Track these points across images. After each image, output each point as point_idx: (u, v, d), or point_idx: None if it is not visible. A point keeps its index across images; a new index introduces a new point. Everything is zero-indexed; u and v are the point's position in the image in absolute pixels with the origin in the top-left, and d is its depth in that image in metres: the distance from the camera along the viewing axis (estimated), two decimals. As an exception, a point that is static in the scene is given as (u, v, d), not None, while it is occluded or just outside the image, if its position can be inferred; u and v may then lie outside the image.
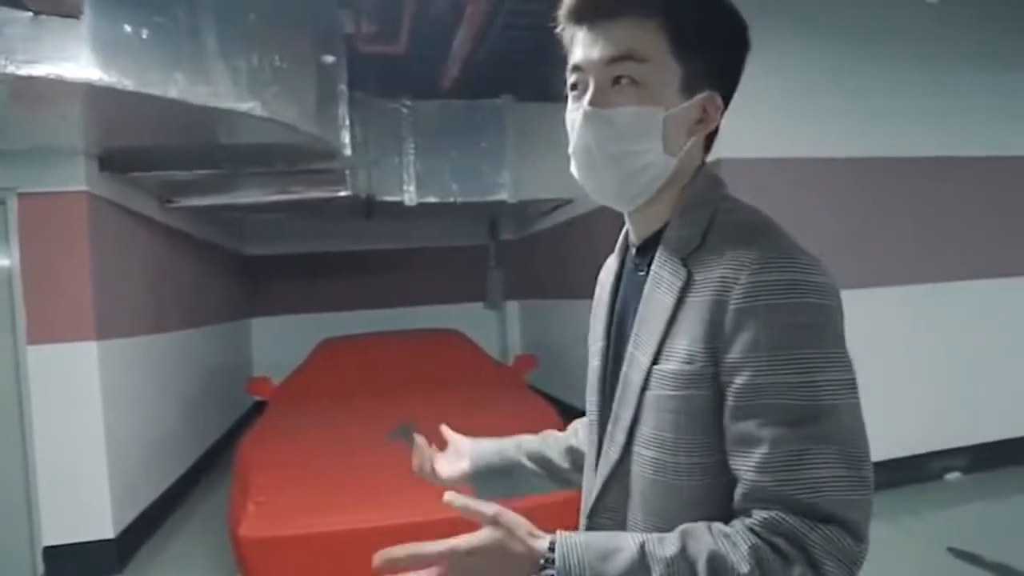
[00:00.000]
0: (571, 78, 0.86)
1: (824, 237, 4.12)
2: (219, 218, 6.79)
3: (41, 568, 3.66)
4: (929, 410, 4.35)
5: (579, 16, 0.83)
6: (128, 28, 2.80)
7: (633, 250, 0.95)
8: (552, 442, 1.18)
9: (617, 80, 0.82)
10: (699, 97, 0.84)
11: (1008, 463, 4.47)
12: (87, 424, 3.71)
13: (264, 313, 8.50)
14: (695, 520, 0.75)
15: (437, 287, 8.88)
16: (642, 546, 0.72)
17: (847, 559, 0.69)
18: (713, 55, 0.84)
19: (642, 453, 0.83)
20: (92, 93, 2.86)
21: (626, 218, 0.96)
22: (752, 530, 0.71)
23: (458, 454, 1.19)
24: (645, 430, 0.82)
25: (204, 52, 3.05)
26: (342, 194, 5.27)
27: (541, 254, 7.83)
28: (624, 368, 0.86)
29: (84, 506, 3.70)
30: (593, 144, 0.84)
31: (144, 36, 2.85)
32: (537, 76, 6.73)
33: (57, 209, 3.72)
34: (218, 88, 3.10)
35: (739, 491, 0.74)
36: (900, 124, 4.31)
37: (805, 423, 0.71)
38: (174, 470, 4.92)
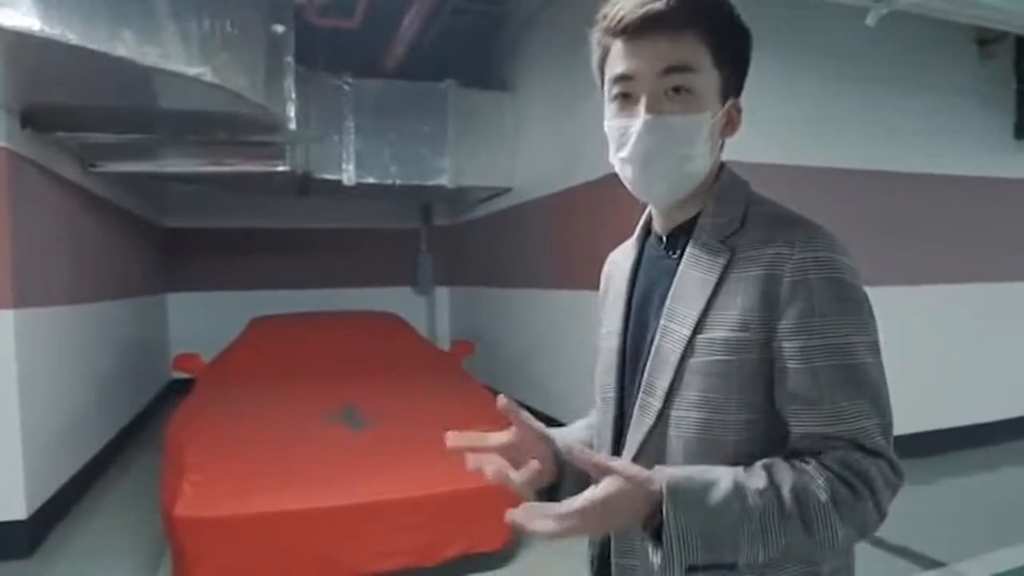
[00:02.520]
0: (618, 87, 0.92)
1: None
2: (140, 187, 6.44)
3: (-57, 550, 3.42)
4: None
5: (630, 30, 0.89)
6: (74, -23, 2.63)
7: (659, 238, 1.03)
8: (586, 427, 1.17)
9: (672, 90, 0.89)
10: (729, 103, 0.94)
11: (904, 456, 4.83)
12: (1, 397, 3.47)
13: (183, 288, 8.13)
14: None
15: (367, 269, 8.75)
16: (734, 479, 0.81)
17: (893, 488, 0.85)
18: (740, 65, 0.94)
19: (685, 416, 0.90)
20: (28, 44, 2.67)
21: (654, 211, 1.04)
22: (825, 465, 0.82)
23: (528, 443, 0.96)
24: (689, 394, 0.90)
25: (154, 11, 2.91)
26: (280, 169, 5.11)
27: (474, 241, 7.84)
28: (656, 340, 0.94)
29: (-6, 485, 3.47)
30: (654, 149, 0.90)
31: (91, -12, 2.68)
32: (481, 63, 6.74)
33: (-27, 166, 3.44)
34: (168, 50, 2.96)
35: (801, 439, 0.85)
36: (826, 136, 4.60)
37: (852, 379, 0.84)
38: (90, 448, 4.67)
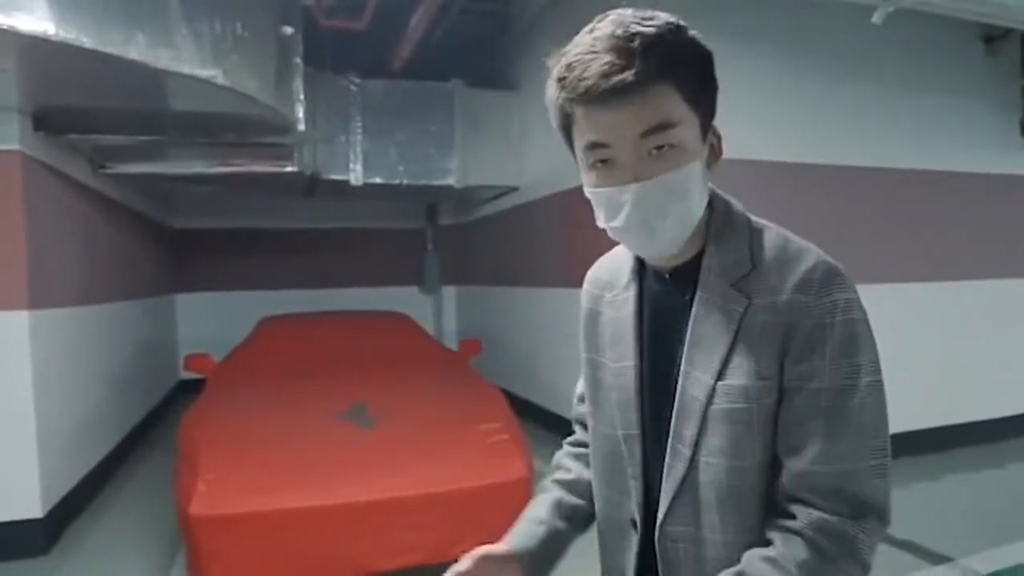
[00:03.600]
0: (594, 155, 0.87)
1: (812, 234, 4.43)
2: (148, 188, 6.48)
3: (-40, 548, 3.46)
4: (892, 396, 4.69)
5: (597, 99, 0.81)
6: (88, -18, 2.66)
7: (656, 277, 1.00)
8: (549, 510, 1.14)
9: (655, 151, 0.84)
10: (711, 136, 0.90)
11: (907, 453, 4.84)
12: (16, 397, 3.52)
13: (192, 288, 8.18)
14: (765, 511, 0.89)
15: (373, 269, 8.78)
16: None
17: (878, 540, 0.85)
18: (710, 95, 0.88)
19: (712, 462, 0.90)
20: (42, 47, 2.70)
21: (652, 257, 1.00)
22: (802, 535, 0.84)
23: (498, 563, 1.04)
24: (714, 441, 0.90)
25: (167, 14, 2.94)
26: (288, 170, 5.15)
27: (481, 240, 7.87)
28: (680, 385, 0.92)
29: (10, 484, 3.51)
30: (653, 213, 0.86)
31: (105, -8, 2.71)
32: (488, 63, 6.76)
33: (-12, 168, 3.49)
34: (180, 52, 2.99)
35: (792, 478, 0.86)
36: (824, 134, 4.61)
37: (853, 419, 0.84)
38: (102, 447, 4.71)
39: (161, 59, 2.92)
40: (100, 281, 4.93)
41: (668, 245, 0.91)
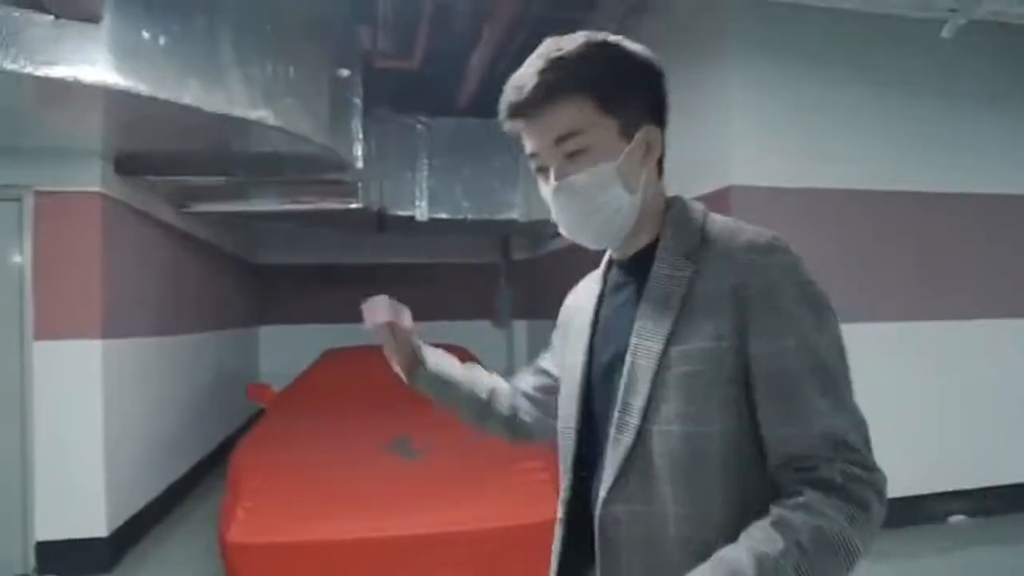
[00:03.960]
0: (533, 163, 0.99)
1: (823, 268, 4.10)
2: (232, 225, 6.87)
3: (32, 563, 3.68)
4: (933, 450, 4.26)
5: (515, 113, 0.95)
6: (146, 34, 2.87)
7: (620, 268, 1.07)
8: (501, 397, 1.30)
9: (570, 155, 0.94)
10: (638, 136, 0.95)
11: (1015, 508, 4.36)
12: (87, 421, 3.75)
13: (272, 321, 8.55)
14: (731, 488, 0.88)
15: (446, 303, 8.89)
16: (755, 557, 0.79)
17: (877, 489, 0.84)
18: (636, 99, 0.96)
19: (666, 430, 0.90)
20: (108, 96, 2.93)
21: (611, 250, 1.09)
22: (830, 486, 0.82)
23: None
24: (669, 408, 0.90)
25: (220, 60, 3.12)
26: (353, 206, 5.32)
27: (550, 274, 7.83)
28: (628, 359, 0.95)
29: (79, 503, 3.73)
30: (569, 211, 0.97)
31: (161, 42, 2.92)
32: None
33: (71, 208, 3.79)
34: (232, 96, 3.16)
35: (779, 443, 0.86)
36: (908, 159, 4.29)
37: (822, 379, 0.86)
38: (171, 473, 4.94)
39: (213, 103, 3.09)
40: (178, 313, 5.23)
41: (598, 236, 0.99)
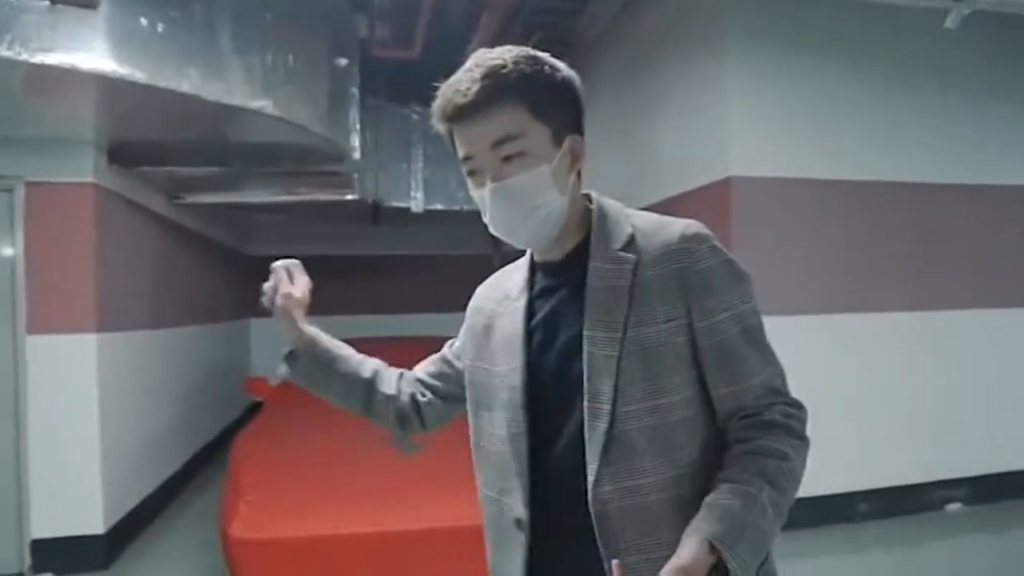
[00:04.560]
0: (465, 167, 1.03)
1: (823, 258, 4.13)
2: (224, 217, 6.78)
3: (28, 560, 3.62)
4: (930, 439, 4.30)
5: (453, 118, 1.00)
6: (144, 21, 2.81)
7: (540, 274, 1.12)
8: (385, 378, 1.31)
9: (506, 159, 0.99)
10: (566, 144, 1.02)
11: (1010, 496, 4.41)
12: (82, 417, 3.68)
13: (263, 314, 8.35)
14: (697, 445, 0.99)
15: (440, 295, 8.82)
16: (743, 494, 0.91)
17: (805, 418, 1.02)
18: (564, 110, 1.03)
19: (636, 408, 0.98)
20: (105, 84, 2.86)
21: (534, 253, 1.14)
22: (776, 424, 0.98)
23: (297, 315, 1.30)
24: (634, 390, 0.98)
25: (219, 48, 3.06)
26: (348, 197, 5.26)
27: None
28: (586, 352, 1.01)
29: (75, 500, 3.67)
30: (506, 211, 1.01)
31: (159, 30, 2.85)
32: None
33: (64, 199, 3.71)
34: (231, 85, 3.11)
35: (728, 397, 1.00)
36: (909, 149, 4.30)
37: (754, 340, 1.01)
38: (166, 468, 4.88)
39: (212, 92, 3.03)
40: (171, 306, 5.16)
41: (532, 237, 1.05)
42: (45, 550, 3.62)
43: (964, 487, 4.39)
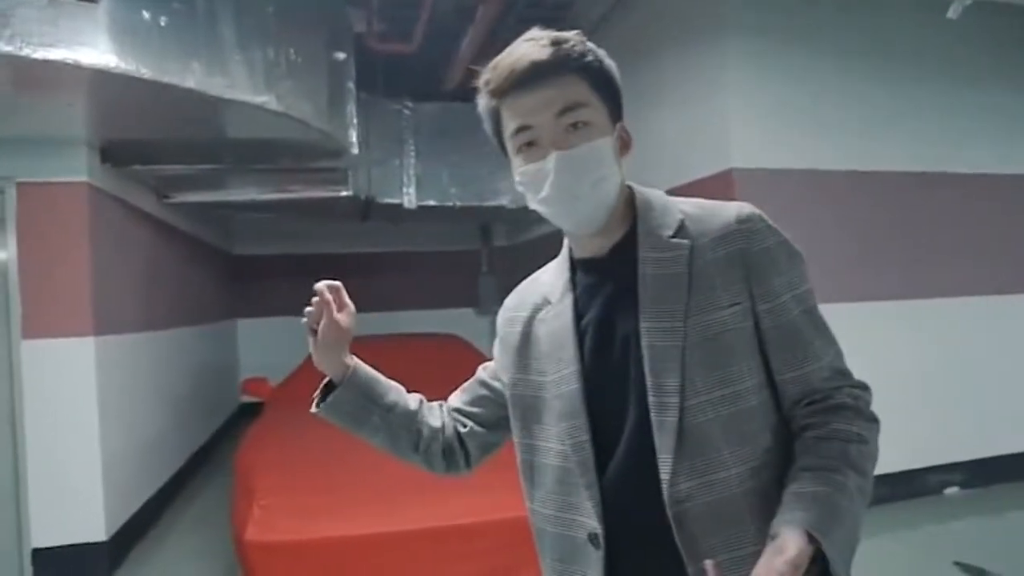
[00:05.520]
0: (520, 139, 0.98)
1: (824, 249, 4.16)
2: (210, 216, 6.67)
3: (29, 571, 3.53)
4: (927, 425, 4.37)
5: (514, 86, 0.96)
6: (146, 15, 2.73)
7: (582, 272, 1.08)
8: (421, 412, 1.19)
9: (571, 127, 0.96)
10: (618, 127, 1.02)
11: (1005, 479, 4.51)
12: (82, 422, 3.60)
13: (252, 314, 8.35)
14: (770, 432, 0.96)
15: (428, 292, 8.81)
16: (828, 481, 0.89)
17: (871, 401, 1.00)
18: (614, 93, 1.02)
19: (707, 399, 0.94)
20: (104, 80, 2.78)
21: (576, 244, 1.09)
22: (846, 407, 0.96)
23: (338, 342, 1.11)
24: (702, 380, 0.94)
25: (221, 42, 2.99)
26: (343, 194, 5.20)
27: (535, 261, 7.64)
28: (646, 344, 0.96)
29: (76, 507, 3.58)
30: (573, 182, 0.96)
31: (162, 23, 2.78)
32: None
33: (57, 200, 3.61)
34: (234, 80, 3.04)
35: (810, 379, 0.97)
36: (908, 139, 4.36)
37: (816, 320, 1.00)
38: (164, 471, 4.80)
39: (216, 87, 2.96)
40: (163, 308, 5.06)
41: (589, 213, 0.99)
42: (47, 559, 3.53)
43: (961, 471, 4.48)
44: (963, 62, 4.41)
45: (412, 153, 5.95)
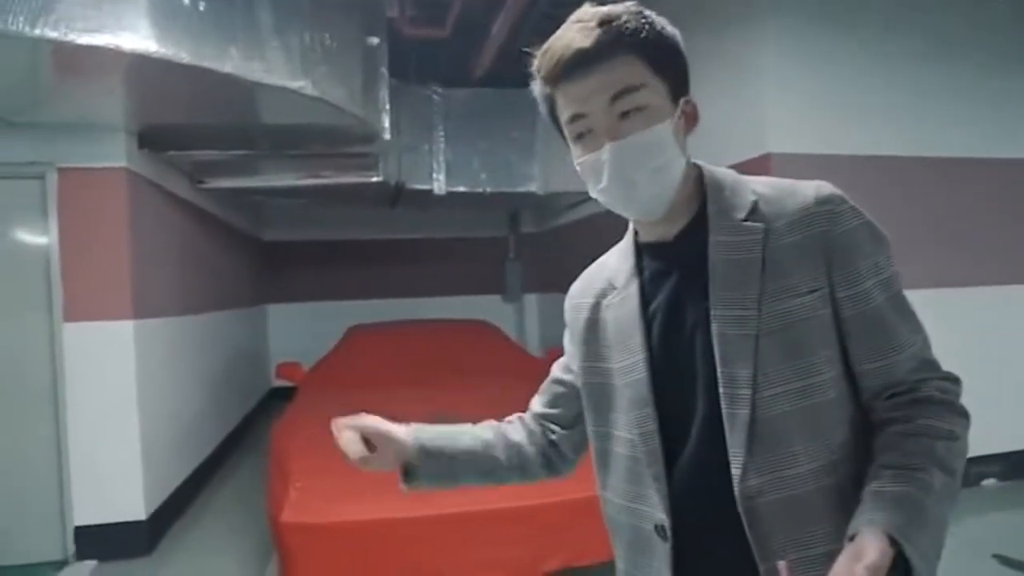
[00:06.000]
0: (575, 128, 0.95)
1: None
2: (241, 202, 6.74)
3: (72, 548, 3.62)
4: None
5: (566, 72, 0.91)
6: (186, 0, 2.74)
7: (647, 257, 1.03)
8: (499, 436, 1.17)
9: (624, 114, 0.91)
10: (681, 103, 0.96)
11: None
12: (121, 404, 3.67)
13: (281, 299, 8.45)
14: (847, 426, 0.91)
15: (456, 278, 8.82)
16: (912, 479, 0.84)
17: (960, 394, 0.94)
18: (678, 66, 0.96)
19: (782, 391, 0.90)
20: (144, 65, 2.80)
21: (641, 227, 1.04)
22: (933, 400, 0.90)
23: (388, 437, 1.08)
24: (778, 371, 0.90)
25: (259, 27, 3.00)
26: (374, 180, 5.20)
27: (563, 248, 7.76)
28: (717, 333, 0.92)
29: (116, 487, 3.66)
30: (630, 171, 0.92)
31: (201, 8, 2.79)
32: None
33: (97, 185, 3.67)
34: (271, 64, 3.05)
35: (879, 371, 0.91)
36: (945, 124, 4.24)
37: (902, 306, 0.93)
38: (200, 452, 4.88)
39: (254, 72, 2.98)
40: (198, 292, 5.13)
41: (650, 202, 0.95)
42: (88, 537, 3.62)
43: (999, 463, 4.39)
44: (1003, 46, 4.28)
45: (442, 139, 5.94)
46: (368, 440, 1.05)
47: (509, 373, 4.54)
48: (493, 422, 1.20)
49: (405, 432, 1.10)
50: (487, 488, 1.21)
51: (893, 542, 0.78)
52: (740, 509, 0.90)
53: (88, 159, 3.65)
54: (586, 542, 3.02)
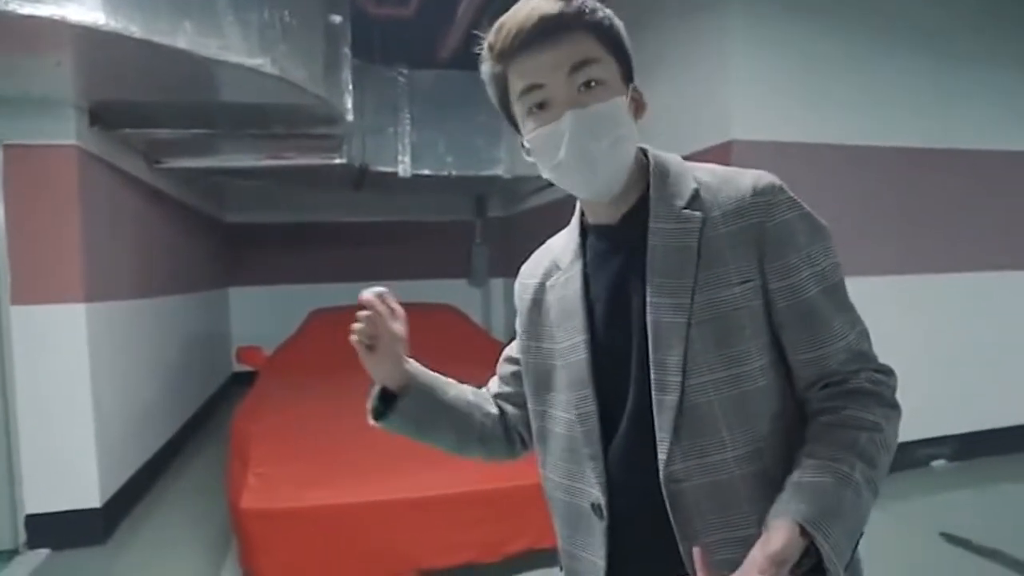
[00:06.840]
0: (531, 99, 0.93)
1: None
2: (202, 183, 6.57)
3: (23, 536, 3.53)
4: (915, 399, 4.31)
5: (525, 44, 0.90)
6: (137, -29, 2.64)
7: (593, 238, 1.03)
8: (477, 401, 1.16)
9: (585, 84, 0.91)
10: (630, 88, 0.96)
11: (992, 452, 4.57)
12: (74, 388, 3.57)
13: (243, 282, 8.30)
14: (775, 414, 0.92)
15: (421, 262, 8.76)
16: (833, 472, 0.84)
17: (894, 387, 0.94)
18: (625, 53, 0.96)
19: (710, 379, 0.91)
20: (92, 38, 2.69)
21: (588, 208, 1.04)
22: (863, 391, 0.90)
23: (394, 351, 1.05)
24: (707, 359, 0.91)
25: (214, 2, 2.90)
26: (337, 162, 5.12)
27: (529, 232, 7.74)
28: (651, 320, 0.93)
29: (70, 473, 3.57)
30: (591, 141, 0.91)
31: (153, -20, 2.69)
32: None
33: (45, 163, 3.53)
34: (228, 41, 2.96)
35: (810, 363, 0.92)
36: (907, 114, 4.32)
37: (837, 299, 0.93)
38: (157, 439, 4.78)
39: (209, 48, 2.89)
40: (154, 275, 5.00)
41: (610, 176, 0.95)
42: (40, 525, 3.53)
43: (948, 444, 4.53)
44: (966, 38, 4.36)
45: (407, 121, 5.87)
46: (377, 339, 1.02)
47: (473, 358, 4.52)
48: (474, 388, 1.19)
49: (408, 363, 1.08)
50: (446, 458, 1.20)
51: (805, 532, 0.79)
52: (664, 492, 0.92)
53: (35, 136, 3.51)
54: (549, 525, 3.05)
